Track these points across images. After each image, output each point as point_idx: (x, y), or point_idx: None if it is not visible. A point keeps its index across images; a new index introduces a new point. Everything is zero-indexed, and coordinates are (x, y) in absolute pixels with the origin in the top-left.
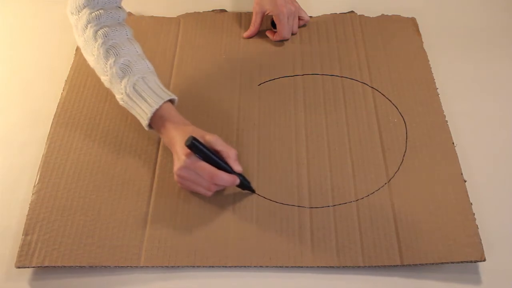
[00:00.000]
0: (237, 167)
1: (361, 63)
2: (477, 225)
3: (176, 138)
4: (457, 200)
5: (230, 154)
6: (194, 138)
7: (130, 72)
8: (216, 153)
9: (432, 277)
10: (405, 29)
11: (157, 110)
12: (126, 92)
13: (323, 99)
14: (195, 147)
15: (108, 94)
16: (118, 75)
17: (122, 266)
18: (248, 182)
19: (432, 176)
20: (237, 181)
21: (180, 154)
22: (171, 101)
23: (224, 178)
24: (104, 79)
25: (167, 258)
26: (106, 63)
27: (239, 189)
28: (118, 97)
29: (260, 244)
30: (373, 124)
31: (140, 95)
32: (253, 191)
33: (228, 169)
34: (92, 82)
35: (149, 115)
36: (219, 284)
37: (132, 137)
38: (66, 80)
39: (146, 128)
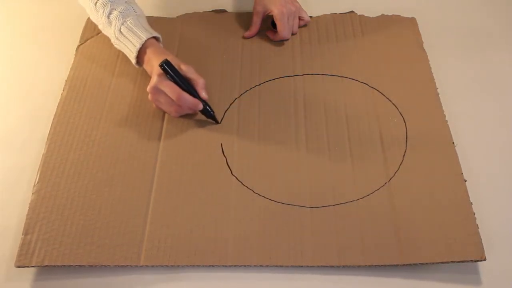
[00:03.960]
0: (203, 94)
1: (361, 63)
2: (477, 225)
3: (154, 62)
4: (457, 199)
5: (199, 82)
6: (167, 61)
7: (116, 18)
8: (188, 81)
9: (432, 278)
10: (405, 29)
11: (141, 47)
12: (115, 36)
13: (323, 99)
14: (166, 68)
15: (108, 94)
16: (108, 22)
17: (122, 266)
18: (212, 112)
19: (432, 175)
20: (200, 105)
21: (154, 74)
22: (156, 38)
23: (188, 99)
24: (101, 28)
25: (167, 257)
26: (98, 14)
27: (238, 189)
28: (112, 41)
29: (260, 244)
30: (373, 124)
31: (126, 37)
32: (216, 121)
33: (196, 96)
34: (92, 82)
35: (135, 54)
36: (219, 284)
37: (132, 137)
38: (66, 80)
39: (136, 66)
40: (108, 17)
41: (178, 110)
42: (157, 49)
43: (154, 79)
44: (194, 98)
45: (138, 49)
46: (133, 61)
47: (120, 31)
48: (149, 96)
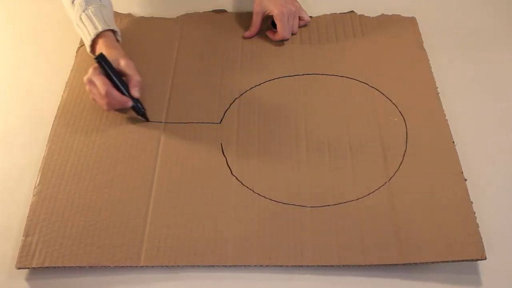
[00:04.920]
0: (134, 92)
1: (361, 63)
2: (477, 224)
3: None
4: (458, 199)
5: (133, 79)
6: (101, 54)
7: (79, 4)
8: (124, 77)
9: (433, 278)
10: (405, 29)
11: (95, 38)
12: (76, 22)
13: (323, 99)
14: (100, 62)
15: None
16: (72, 7)
17: (122, 266)
18: (143, 110)
19: (433, 175)
20: (129, 103)
21: (91, 67)
22: (113, 32)
23: (115, 96)
24: (67, 11)
25: (167, 258)
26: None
27: (238, 189)
28: (74, 26)
29: (260, 244)
30: (373, 124)
31: (84, 24)
32: (146, 119)
33: (127, 92)
34: None
35: (89, 43)
36: (219, 284)
37: (132, 138)
38: (66, 82)
39: (88, 50)
40: (73, 1)
41: (108, 104)
42: (109, 42)
43: (89, 71)
44: (122, 95)
45: (92, 39)
46: (88, 49)
47: (80, 17)
48: (86, 87)
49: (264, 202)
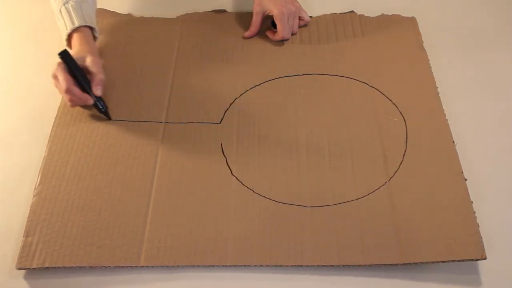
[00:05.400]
0: (95, 91)
1: (361, 63)
2: (477, 224)
3: (76, 50)
4: (458, 198)
5: (96, 77)
6: (65, 51)
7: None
8: (89, 74)
9: (432, 277)
10: (405, 29)
11: (71, 33)
12: (56, 14)
13: (323, 99)
14: (64, 58)
15: (108, 97)
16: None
17: (122, 266)
18: (104, 108)
19: (433, 175)
20: (90, 101)
21: (56, 63)
22: (90, 28)
23: (76, 93)
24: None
25: (167, 258)
26: None
27: (238, 189)
28: (55, 13)
29: (260, 244)
30: (373, 123)
31: (63, 18)
32: (109, 118)
33: (89, 90)
34: None
35: (65, 37)
36: (219, 284)
37: (132, 138)
38: None
39: (65, 43)
40: None
41: (70, 100)
42: (83, 38)
43: (54, 67)
44: (83, 92)
45: (68, 33)
46: (65, 43)
47: (60, 10)
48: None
49: (264, 202)
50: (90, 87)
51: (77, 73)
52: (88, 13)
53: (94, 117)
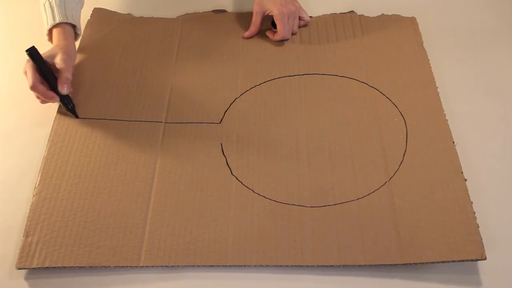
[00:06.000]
0: (61, 89)
1: (361, 63)
2: (477, 224)
3: (54, 45)
4: (458, 198)
5: (62, 76)
6: (32, 48)
7: None
8: (57, 73)
9: (433, 278)
10: (405, 29)
11: (51, 28)
12: (40, 8)
13: (323, 99)
14: (31, 55)
15: (108, 97)
16: None
17: (122, 266)
18: (70, 106)
19: (433, 175)
20: (56, 98)
21: (27, 60)
22: (72, 26)
23: (41, 91)
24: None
25: (167, 258)
26: None
27: (238, 189)
28: (40, 5)
29: (260, 243)
30: (373, 124)
31: (46, 12)
32: (76, 116)
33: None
34: (92, 85)
35: (46, 32)
36: (219, 284)
37: (132, 138)
38: None
39: (47, 38)
40: None
41: (38, 97)
42: (62, 35)
43: (25, 64)
44: (48, 90)
45: (48, 28)
46: (46, 38)
47: (44, 5)
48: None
49: (264, 202)
50: (56, 85)
51: (43, 70)
52: (72, 10)
53: (94, 116)
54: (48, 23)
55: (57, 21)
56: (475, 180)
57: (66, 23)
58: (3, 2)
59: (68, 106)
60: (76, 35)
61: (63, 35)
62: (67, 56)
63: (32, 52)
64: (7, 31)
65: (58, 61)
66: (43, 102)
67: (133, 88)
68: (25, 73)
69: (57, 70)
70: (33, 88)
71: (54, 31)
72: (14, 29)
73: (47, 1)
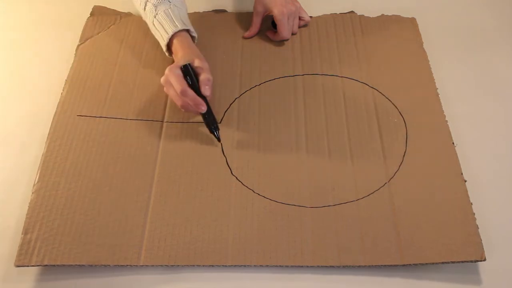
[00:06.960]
0: (204, 90)
1: (361, 63)
2: (477, 225)
3: (179, 55)
4: (457, 199)
5: (203, 76)
6: (187, 66)
7: (150, 11)
8: (197, 76)
9: (432, 278)
10: (405, 29)
11: (169, 42)
12: (150, 29)
13: (323, 99)
14: (185, 72)
15: (108, 95)
16: (145, 15)
17: (121, 265)
18: (215, 127)
19: (432, 175)
20: (203, 106)
21: (167, 68)
22: (187, 30)
23: (191, 95)
24: (142, 17)
25: (167, 257)
26: (138, 6)
27: (238, 189)
28: (150, 27)
29: (260, 244)
30: (373, 124)
31: (157, 30)
32: (218, 140)
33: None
34: (92, 82)
35: (164, 48)
36: (219, 284)
37: (132, 136)
38: (66, 80)
39: (166, 54)
40: (144, 9)
41: (183, 106)
42: (182, 43)
43: (165, 72)
44: (198, 97)
45: (166, 43)
46: (166, 54)
47: (153, 24)
48: (164, 89)
49: (264, 202)
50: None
51: (192, 83)
52: (180, 17)
53: (93, 114)
54: (164, 38)
55: (170, 33)
56: (475, 181)
57: (179, 31)
58: (3, 2)
59: (211, 126)
60: (193, 38)
61: (184, 43)
62: (203, 59)
63: (186, 69)
64: (7, 31)
65: (198, 64)
66: (186, 110)
67: (133, 87)
68: (166, 82)
69: (197, 74)
70: (183, 92)
71: (174, 41)
72: (14, 29)
73: (154, 19)
